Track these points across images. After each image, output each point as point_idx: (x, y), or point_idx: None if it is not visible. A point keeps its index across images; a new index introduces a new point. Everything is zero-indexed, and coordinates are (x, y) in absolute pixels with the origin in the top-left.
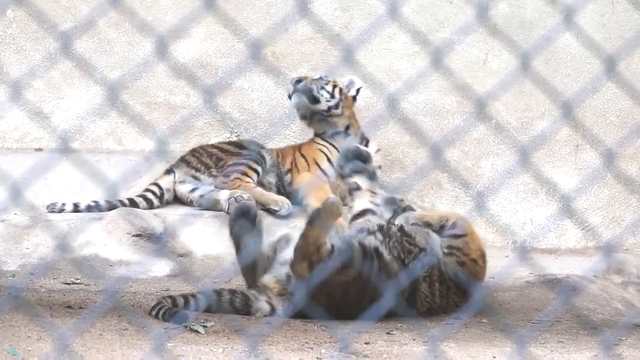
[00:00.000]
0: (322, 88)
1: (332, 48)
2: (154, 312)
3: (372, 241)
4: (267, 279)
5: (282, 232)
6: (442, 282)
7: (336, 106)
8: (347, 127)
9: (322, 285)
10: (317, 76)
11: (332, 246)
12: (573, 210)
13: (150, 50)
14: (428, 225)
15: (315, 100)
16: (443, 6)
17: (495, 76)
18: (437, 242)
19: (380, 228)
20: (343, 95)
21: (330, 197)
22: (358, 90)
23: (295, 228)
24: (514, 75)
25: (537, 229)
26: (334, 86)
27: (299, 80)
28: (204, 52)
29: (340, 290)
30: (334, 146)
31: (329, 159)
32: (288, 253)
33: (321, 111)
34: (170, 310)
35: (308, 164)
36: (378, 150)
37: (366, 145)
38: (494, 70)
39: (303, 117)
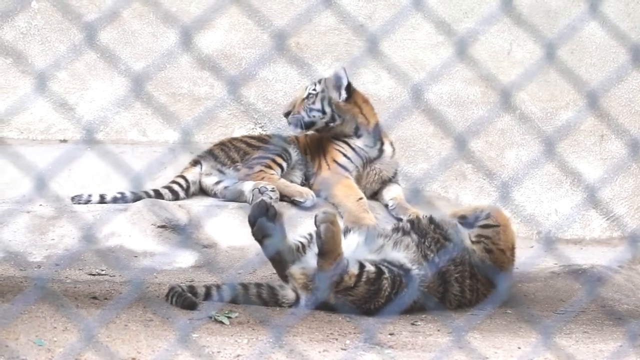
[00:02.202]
0: (311, 110)
1: (356, 39)
2: (168, 299)
3: (403, 261)
4: (294, 269)
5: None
6: (472, 276)
7: (332, 119)
8: (357, 128)
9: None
10: (305, 93)
11: (361, 268)
12: (598, 201)
13: (174, 41)
14: (463, 217)
15: (309, 125)
16: None
17: (520, 66)
18: (465, 233)
19: (413, 225)
20: (334, 105)
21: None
22: (348, 87)
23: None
24: (539, 65)
25: (562, 219)
26: (322, 99)
27: (287, 113)
28: (228, 43)
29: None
30: (349, 145)
31: (345, 155)
32: None
33: (322, 127)
34: (180, 297)
35: (328, 165)
36: (393, 152)
37: (381, 147)
38: (519, 60)
39: (315, 132)
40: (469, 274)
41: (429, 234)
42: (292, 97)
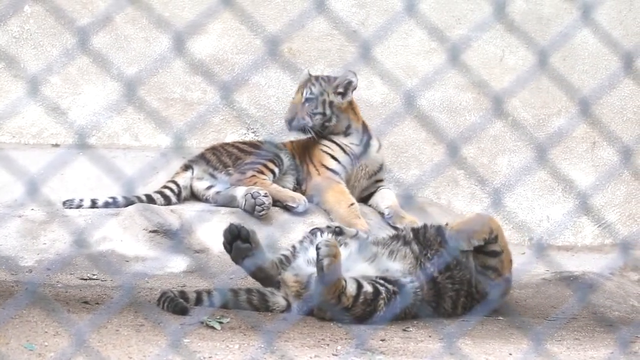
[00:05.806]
0: (315, 114)
1: (349, 45)
2: (159, 304)
3: (398, 275)
4: (288, 276)
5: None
6: (468, 295)
7: (330, 119)
8: (348, 126)
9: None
10: (304, 97)
11: (359, 288)
12: (590, 208)
13: (167, 46)
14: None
15: (315, 128)
16: (460, 3)
17: (512, 73)
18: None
19: (417, 235)
20: (335, 107)
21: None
22: (353, 90)
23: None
24: (531, 72)
25: (554, 226)
26: (323, 102)
27: (291, 119)
28: (221, 48)
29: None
30: (336, 143)
31: (334, 157)
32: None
33: (319, 127)
34: (172, 302)
35: (317, 170)
36: (380, 147)
37: (367, 143)
38: (511, 67)
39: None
40: (465, 292)
41: (434, 245)
42: (289, 103)
